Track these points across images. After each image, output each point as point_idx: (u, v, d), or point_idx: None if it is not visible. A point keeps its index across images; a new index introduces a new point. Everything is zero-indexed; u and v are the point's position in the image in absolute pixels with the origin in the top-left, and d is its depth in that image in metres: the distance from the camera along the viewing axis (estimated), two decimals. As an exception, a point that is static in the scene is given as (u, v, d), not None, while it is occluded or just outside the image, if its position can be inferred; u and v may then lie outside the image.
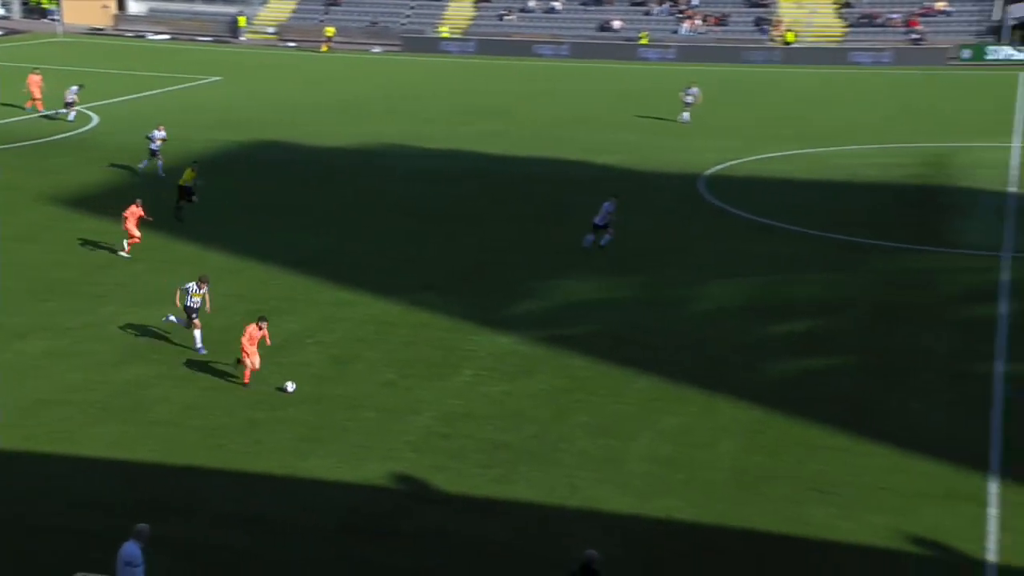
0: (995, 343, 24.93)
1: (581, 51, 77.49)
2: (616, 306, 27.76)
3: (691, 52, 75.39)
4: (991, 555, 16.80)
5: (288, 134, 49.15)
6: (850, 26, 77.31)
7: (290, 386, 22.47)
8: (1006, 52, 71.14)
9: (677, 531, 17.56)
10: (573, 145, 47.12)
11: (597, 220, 31.55)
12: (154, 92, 60.65)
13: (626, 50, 77.36)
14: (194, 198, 34.57)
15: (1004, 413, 21.42)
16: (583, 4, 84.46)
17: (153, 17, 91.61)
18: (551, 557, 16.92)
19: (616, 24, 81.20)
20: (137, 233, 31.08)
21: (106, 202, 35.81)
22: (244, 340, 22.50)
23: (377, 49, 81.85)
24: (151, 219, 31.50)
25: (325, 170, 42.73)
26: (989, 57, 71.11)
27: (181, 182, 34.85)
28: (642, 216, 35.94)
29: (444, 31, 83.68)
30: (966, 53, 71.58)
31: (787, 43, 76.35)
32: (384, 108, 56.78)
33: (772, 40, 77.17)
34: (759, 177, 41.81)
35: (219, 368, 23.49)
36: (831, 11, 79.02)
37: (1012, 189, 39.06)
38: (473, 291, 28.75)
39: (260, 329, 22.64)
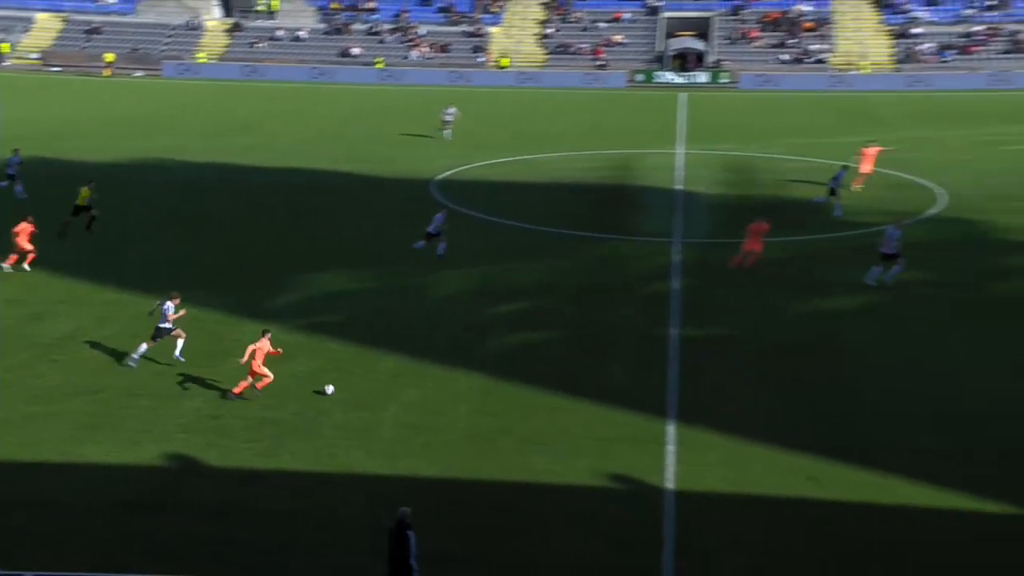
0: (670, 312, 26.32)
1: (325, 74, 76.39)
2: (363, 295, 27.60)
3: (422, 75, 75.75)
4: (670, 484, 17.73)
5: (61, 150, 46.02)
6: (550, 53, 79.65)
7: (329, 389, 20.95)
8: (668, 76, 75.20)
9: (422, 487, 17.67)
10: (322, 157, 46.41)
11: (430, 229, 30.69)
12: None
13: (365, 73, 76.85)
14: (94, 211, 31.77)
15: (678, 369, 22.64)
16: (326, 33, 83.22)
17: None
18: (316, 519, 16.73)
19: (355, 51, 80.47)
20: (30, 247, 28.21)
21: None
22: (256, 357, 20.34)
23: (139, 73, 77.84)
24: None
25: (96, 182, 40.25)
26: (656, 80, 74.95)
27: (79, 201, 31.85)
28: (382, 217, 35.92)
29: (202, 56, 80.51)
30: (639, 77, 75.16)
31: (502, 67, 77.91)
32: (149, 126, 54.12)
33: (488, 64, 78.56)
34: (483, 180, 42.45)
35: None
36: (533, 40, 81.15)
37: (678, 187, 41.27)
38: (238, 287, 27.88)
39: (268, 341, 20.61)
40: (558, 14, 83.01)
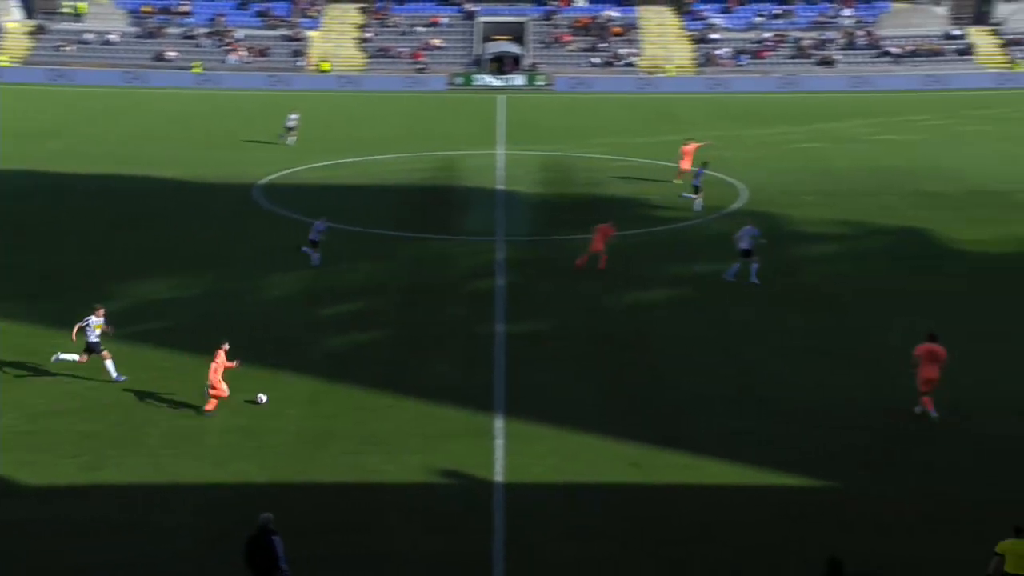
0: (495, 309, 26.56)
1: (139, 79, 73.21)
2: (187, 302, 26.63)
3: (241, 79, 73.68)
4: (499, 477, 17.89)
5: None
6: (370, 57, 78.95)
7: (262, 397, 20.12)
8: (487, 79, 75.88)
9: (253, 492, 17.21)
10: (139, 161, 44.48)
11: (312, 237, 29.76)
12: None
13: (181, 78, 74.09)
14: None
15: (505, 364, 22.84)
16: (138, 36, 79.70)
17: None
18: (143, 530, 16.03)
19: (170, 54, 77.42)
20: None
21: None
22: (213, 368, 19.66)
23: (-65, 76, 72.52)
24: None
25: None
26: (476, 83, 75.49)
27: None
28: (204, 222, 34.76)
29: (3, 59, 75.64)
30: (458, 80, 75.53)
31: (323, 71, 76.67)
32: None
33: (309, 68, 77.17)
34: (308, 183, 41.68)
35: None
36: (353, 44, 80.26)
37: (500, 187, 41.71)
38: (54, 296, 26.36)
39: (225, 354, 19.91)
40: (376, 18, 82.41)
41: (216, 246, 31.80)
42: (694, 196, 37.00)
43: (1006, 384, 21.80)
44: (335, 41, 79.93)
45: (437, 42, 79.99)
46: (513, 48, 79.29)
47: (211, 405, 19.92)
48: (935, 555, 15.63)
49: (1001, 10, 79.42)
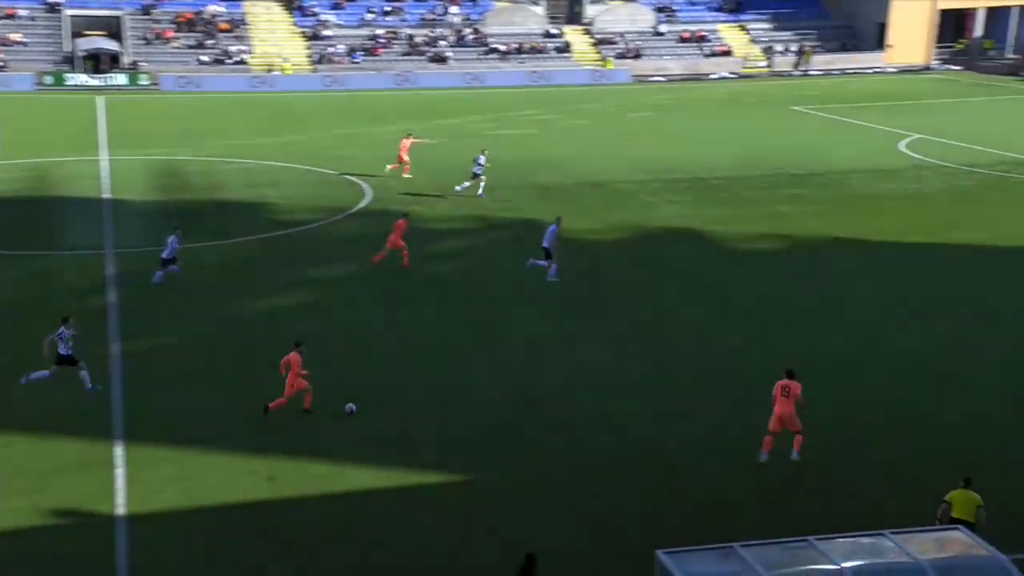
0: (108, 327, 24.98)
1: None
2: None
3: None
4: (121, 509, 16.90)
5: None
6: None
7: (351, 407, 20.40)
8: (82, 79, 70.86)
9: None
10: None
11: (165, 255, 27.17)
12: None
13: None
14: None
15: (123, 386, 21.58)
16: None
17: None
18: None
19: None
20: None
21: None
22: (293, 370, 19.94)
23: None
24: None
25: None
26: (69, 83, 70.23)
27: None
28: None
29: None
30: (48, 79, 69.89)
31: None
32: None
33: None
34: None
35: None
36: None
37: (107, 195, 39.22)
38: None
39: (300, 354, 20.11)
40: (-62, 9, 74.11)
41: None
42: (469, 183, 38.62)
43: (621, 362, 23.88)
44: None
45: (17, 37, 73.35)
46: (110, 45, 74.60)
47: (307, 403, 20.36)
48: (583, 537, 16.68)
49: (589, 11, 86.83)
